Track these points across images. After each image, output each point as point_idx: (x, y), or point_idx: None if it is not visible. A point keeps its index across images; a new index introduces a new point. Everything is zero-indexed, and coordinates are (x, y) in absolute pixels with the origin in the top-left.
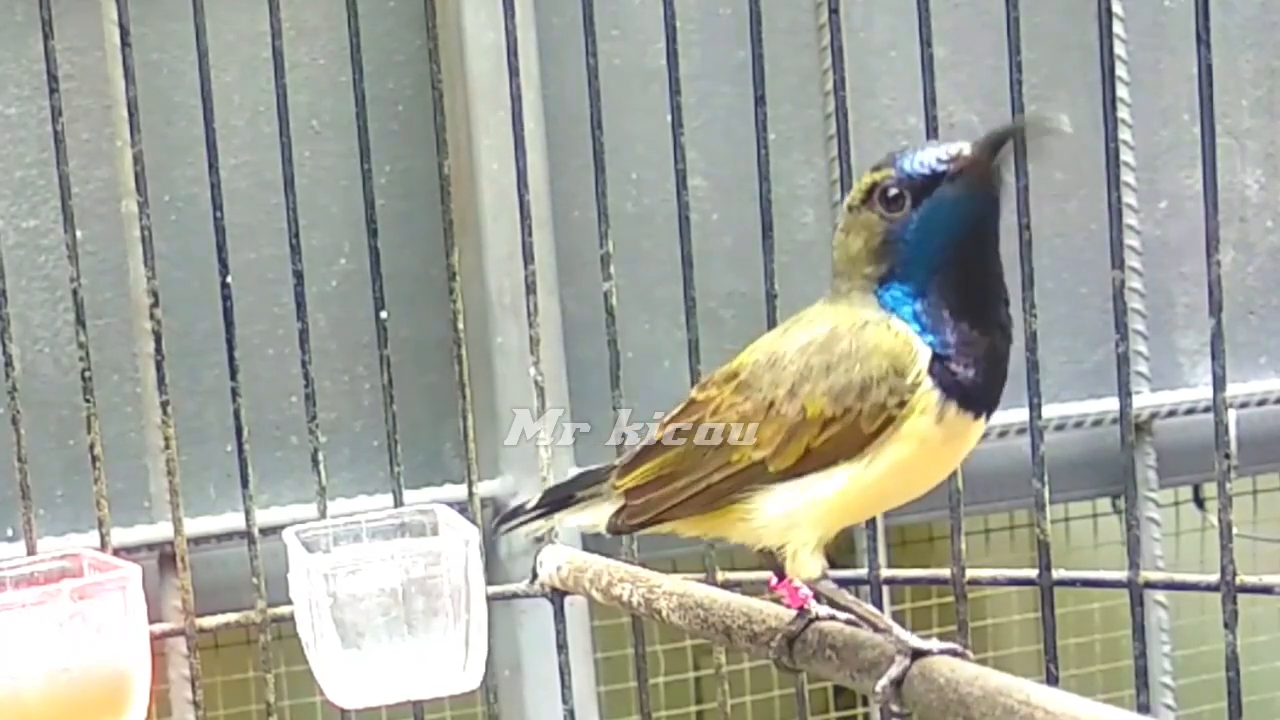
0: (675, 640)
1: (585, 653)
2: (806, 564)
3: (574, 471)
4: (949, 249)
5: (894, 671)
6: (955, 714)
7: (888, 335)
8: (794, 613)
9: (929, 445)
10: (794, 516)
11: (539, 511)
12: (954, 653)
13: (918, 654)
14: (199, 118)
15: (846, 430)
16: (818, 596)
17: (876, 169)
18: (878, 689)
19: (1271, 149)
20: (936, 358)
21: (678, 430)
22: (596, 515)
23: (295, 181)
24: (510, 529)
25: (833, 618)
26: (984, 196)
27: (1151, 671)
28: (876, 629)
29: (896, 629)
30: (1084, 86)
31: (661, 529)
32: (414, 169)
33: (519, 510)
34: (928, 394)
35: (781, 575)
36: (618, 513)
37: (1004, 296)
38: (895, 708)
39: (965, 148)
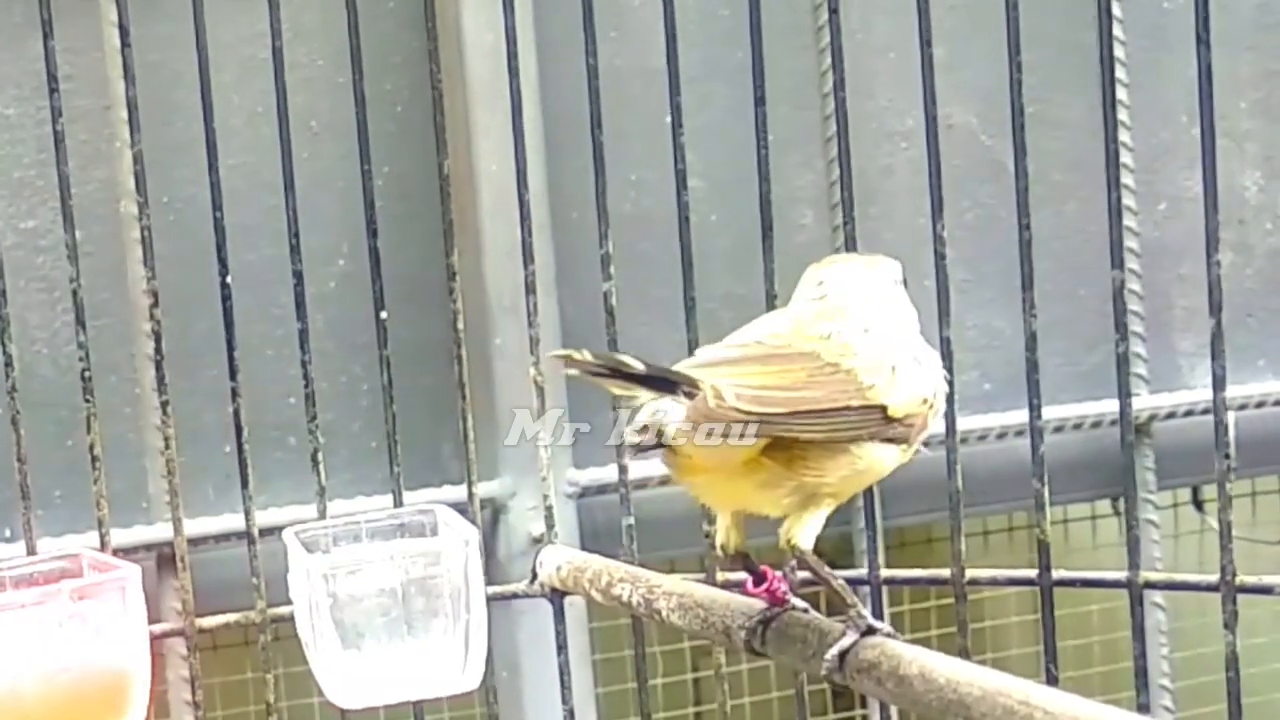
0: (674, 641)
1: (583, 654)
2: (809, 533)
3: (572, 473)
4: None
5: (844, 642)
6: (955, 714)
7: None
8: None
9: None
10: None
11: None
12: (893, 637)
13: (869, 630)
14: (198, 118)
15: (912, 419)
16: (792, 580)
17: None
18: (828, 657)
19: (1270, 151)
20: None
21: (801, 353)
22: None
23: (294, 182)
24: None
25: (806, 610)
26: None
27: (1150, 673)
28: (845, 603)
29: (858, 605)
30: (1083, 87)
31: (738, 455)
32: (413, 170)
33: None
34: None
35: (759, 579)
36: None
37: None
38: (838, 678)
39: None
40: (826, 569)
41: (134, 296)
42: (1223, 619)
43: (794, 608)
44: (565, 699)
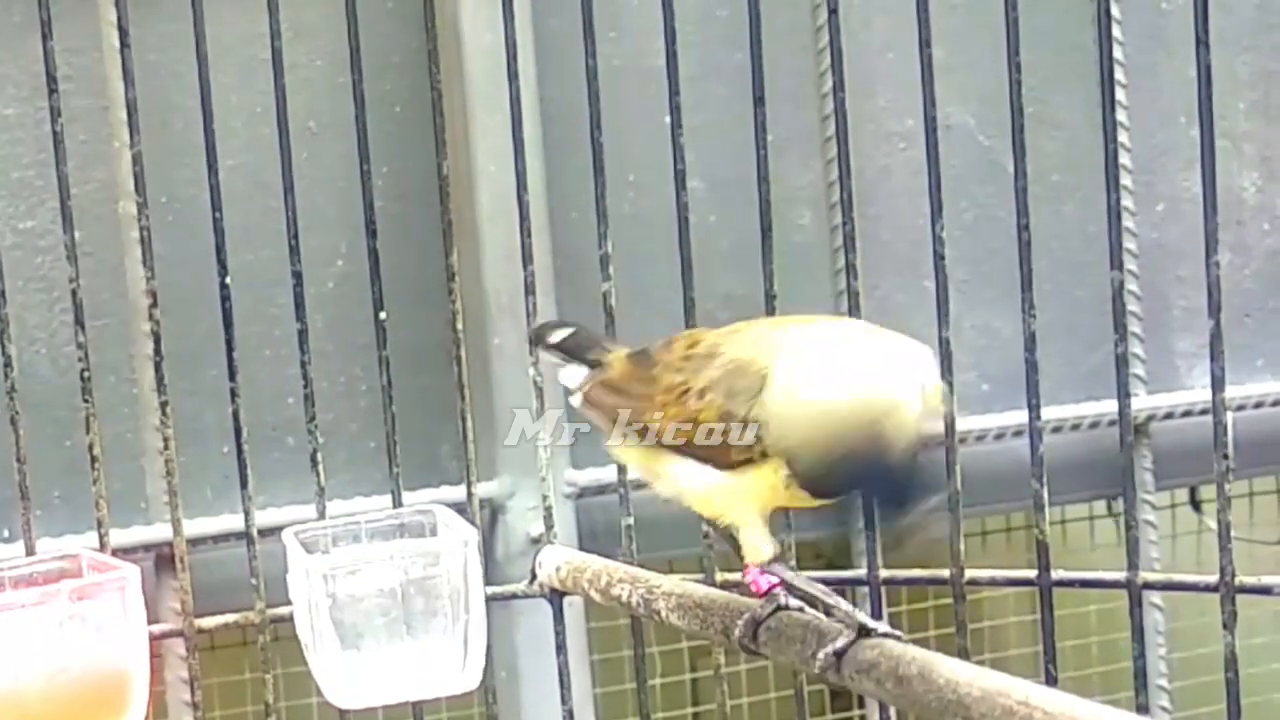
0: (672, 642)
1: (582, 654)
2: (756, 548)
3: (571, 473)
4: None
5: (839, 643)
6: (955, 714)
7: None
8: (759, 600)
9: (778, 492)
10: (712, 494)
11: (561, 351)
12: (895, 636)
13: (863, 630)
14: (197, 119)
15: (718, 447)
16: (784, 584)
17: None
18: (820, 656)
19: (1268, 152)
20: None
21: (650, 361)
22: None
23: (293, 183)
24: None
25: (801, 610)
26: None
27: (1149, 673)
28: (827, 606)
29: (845, 605)
30: (1082, 88)
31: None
32: (412, 170)
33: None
34: (778, 465)
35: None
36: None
37: None
38: (833, 677)
39: None
40: (801, 577)
41: (133, 297)
42: (1222, 619)
43: (788, 607)
44: (564, 699)
